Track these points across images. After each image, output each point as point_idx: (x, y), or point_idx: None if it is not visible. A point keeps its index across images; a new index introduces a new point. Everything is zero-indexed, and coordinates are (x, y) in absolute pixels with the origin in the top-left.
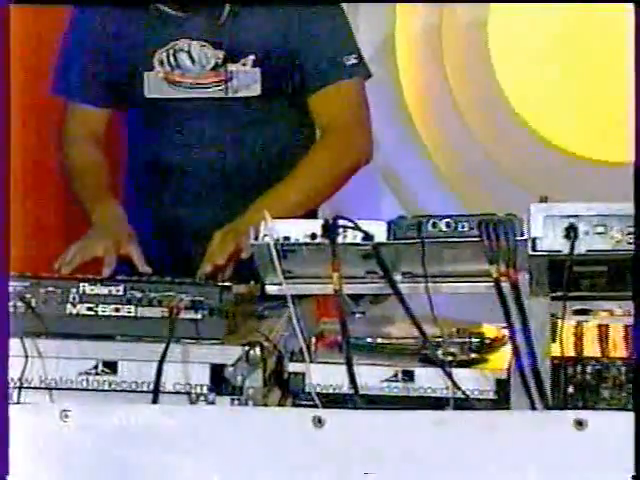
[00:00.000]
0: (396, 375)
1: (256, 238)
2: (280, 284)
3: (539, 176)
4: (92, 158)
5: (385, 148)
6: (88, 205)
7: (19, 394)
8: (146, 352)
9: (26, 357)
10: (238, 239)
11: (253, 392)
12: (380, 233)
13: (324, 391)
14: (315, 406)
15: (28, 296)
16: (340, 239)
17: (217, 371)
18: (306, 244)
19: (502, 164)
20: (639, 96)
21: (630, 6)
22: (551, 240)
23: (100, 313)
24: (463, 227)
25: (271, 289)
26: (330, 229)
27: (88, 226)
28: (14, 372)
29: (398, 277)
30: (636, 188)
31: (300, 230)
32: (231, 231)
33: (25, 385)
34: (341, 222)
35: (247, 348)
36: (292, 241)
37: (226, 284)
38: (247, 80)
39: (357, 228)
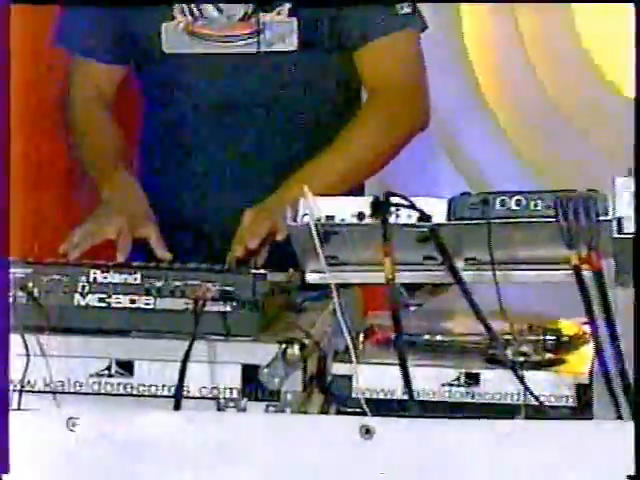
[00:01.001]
0: (458, 378)
1: (294, 218)
2: (322, 272)
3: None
4: (101, 122)
5: (444, 113)
6: (97, 177)
7: (20, 399)
8: (167, 350)
9: (27, 356)
10: (273, 219)
11: (291, 397)
12: (439, 212)
13: (373, 396)
14: (363, 414)
15: (30, 285)
16: (392, 219)
17: (249, 373)
18: (353, 225)
19: (585, 130)
20: (639, 101)
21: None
22: None
23: (113, 305)
24: (537, 205)
25: (312, 277)
26: (381, 208)
27: (98, 203)
28: (14, 373)
29: (460, 264)
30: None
31: (346, 209)
32: (265, 209)
33: (27, 388)
34: (394, 199)
35: (284, 346)
36: (336, 221)
37: (260, 271)
38: (282, 32)
39: (412, 207)
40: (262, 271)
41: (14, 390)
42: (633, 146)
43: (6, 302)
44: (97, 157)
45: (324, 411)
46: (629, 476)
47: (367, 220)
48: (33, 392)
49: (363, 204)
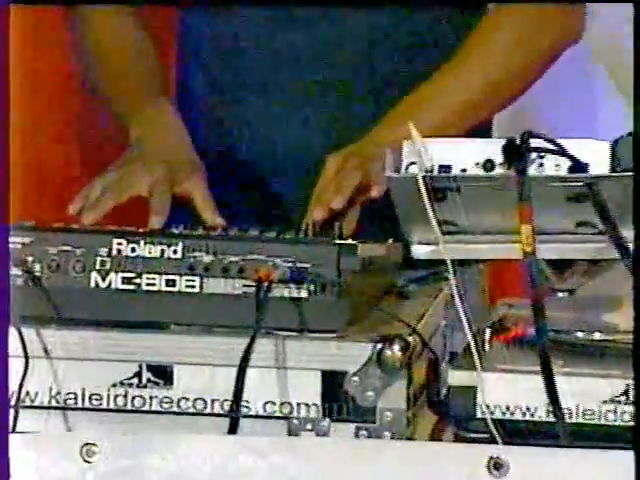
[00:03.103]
0: (626, 392)
1: (396, 167)
2: (434, 243)
3: None
4: (128, 36)
5: (607, 20)
6: (124, 111)
7: (16, 417)
8: (218, 351)
9: (26, 359)
10: (366, 168)
11: (392, 417)
12: (599, 160)
13: (506, 417)
14: (492, 441)
15: (29, 260)
16: (532, 170)
17: (333, 382)
18: (477, 178)
19: None
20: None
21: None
22: None
23: (145, 288)
24: None
25: (420, 250)
26: (517, 153)
27: (124, 146)
28: (14, 381)
29: (629, 233)
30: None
31: (467, 155)
32: (355, 155)
33: (26, 404)
34: (534, 142)
35: (380, 346)
36: (454, 173)
37: (348, 242)
38: None
39: (561, 152)
40: (350, 241)
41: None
42: (632, 144)
43: (6, 285)
44: (124, 82)
45: (436, 437)
46: None
47: (497, 171)
48: (34, 408)
49: (491, 149)
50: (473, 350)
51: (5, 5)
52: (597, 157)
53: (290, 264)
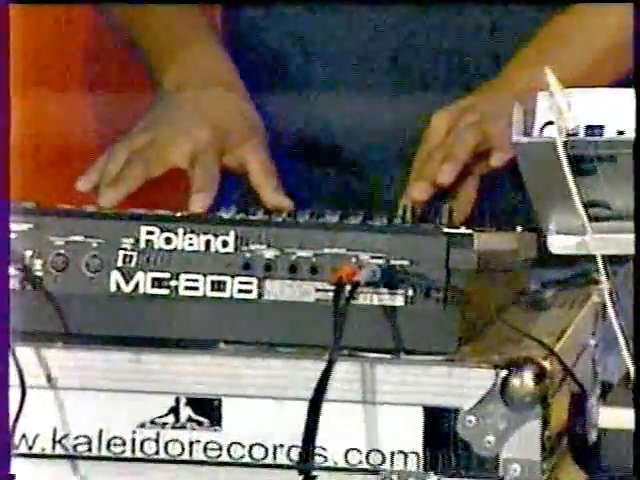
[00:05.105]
0: None
1: (527, 131)
2: (579, 232)
3: None
4: None
5: None
6: (157, 52)
7: (7, 464)
8: (283, 379)
9: (23, 389)
10: (484, 128)
11: (520, 471)
12: None
13: None
14: None
15: (27, 254)
16: None
17: (439, 423)
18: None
19: None
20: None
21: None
22: None
23: (183, 293)
24: None
25: (559, 243)
26: None
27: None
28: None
29: None
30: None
31: (624, 112)
32: (468, 110)
33: (22, 452)
34: None
35: (505, 373)
36: (607, 137)
37: (461, 230)
38: None
39: None
40: (464, 230)
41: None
42: (633, 145)
43: (5, 286)
44: (158, 17)
45: None
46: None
47: None
48: (32, 457)
49: None
50: (632, 379)
51: (5, 5)
52: None
53: (381, 261)
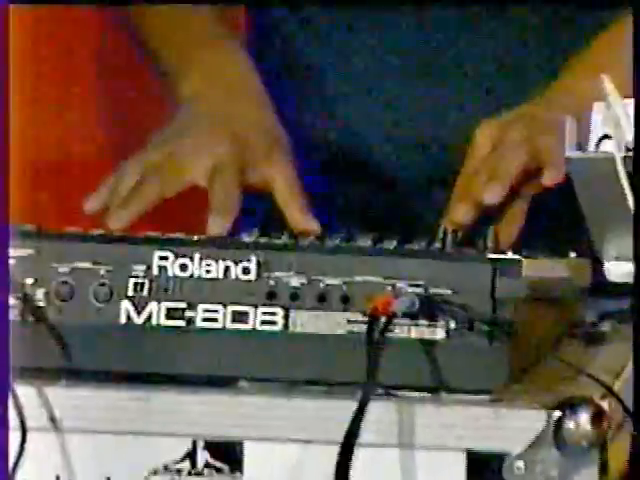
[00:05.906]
0: None
1: (581, 145)
2: None
3: None
4: None
5: None
6: (175, 62)
7: None
8: (310, 421)
9: (23, 432)
10: (534, 143)
11: None
12: None
13: None
14: None
15: (29, 283)
16: None
17: (484, 469)
18: None
19: None
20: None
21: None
22: None
23: (200, 325)
24: None
25: (617, 270)
26: None
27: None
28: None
29: None
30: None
31: None
32: (517, 123)
33: None
34: None
35: (559, 414)
36: None
37: (508, 256)
38: None
39: None
40: (512, 255)
41: None
42: (633, 148)
43: (4, 318)
44: (176, 23)
45: None
46: None
47: None
48: None
49: None
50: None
51: (5, 5)
52: None
53: (419, 289)
